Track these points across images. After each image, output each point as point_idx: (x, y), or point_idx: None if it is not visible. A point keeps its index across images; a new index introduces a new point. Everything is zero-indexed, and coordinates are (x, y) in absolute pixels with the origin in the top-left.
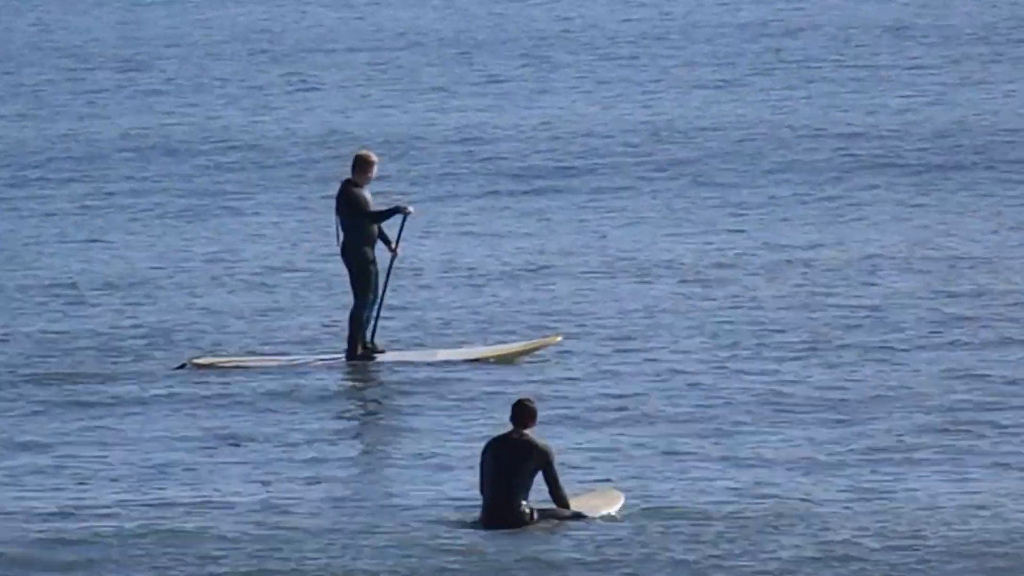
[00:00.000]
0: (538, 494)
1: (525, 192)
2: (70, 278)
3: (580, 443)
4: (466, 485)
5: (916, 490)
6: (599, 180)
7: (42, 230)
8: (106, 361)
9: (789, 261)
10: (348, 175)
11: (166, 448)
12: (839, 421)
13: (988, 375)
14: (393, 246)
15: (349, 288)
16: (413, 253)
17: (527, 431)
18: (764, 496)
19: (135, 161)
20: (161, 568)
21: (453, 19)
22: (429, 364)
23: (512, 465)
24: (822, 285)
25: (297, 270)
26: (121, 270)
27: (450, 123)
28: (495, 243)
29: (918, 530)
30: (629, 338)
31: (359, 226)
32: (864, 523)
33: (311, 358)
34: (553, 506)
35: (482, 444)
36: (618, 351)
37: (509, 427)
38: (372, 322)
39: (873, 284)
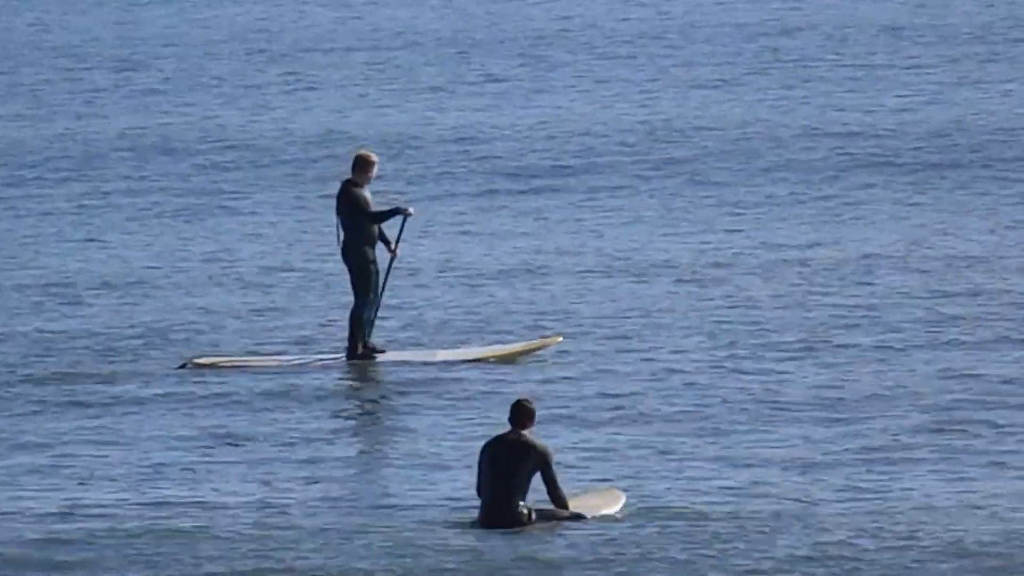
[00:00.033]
0: (537, 495)
1: (522, 191)
2: (67, 277)
3: (576, 442)
4: (464, 485)
5: (912, 489)
6: (596, 179)
7: (39, 229)
8: (104, 361)
9: (786, 260)
10: (347, 175)
11: (164, 448)
12: (835, 420)
13: (984, 374)
14: (392, 247)
15: (348, 288)
16: (410, 252)
17: (525, 431)
18: (760, 495)
19: (132, 161)
20: (158, 567)
21: (451, 18)
22: (429, 364)
23: (510, 465)
24: (819, 284)
25: (294, 270)
26: (118, 269)
27: (447, 122)
28: (492, 242)
29: (913, 530)
30: (626, 337)
31: (359, 226)
32: (859, 522)
33: (311, 358)
34: (551, 507)
35: (480, 444)
36: (615, 350)
37: (507, 427)
38: (372, 322)
39: (869, 283)
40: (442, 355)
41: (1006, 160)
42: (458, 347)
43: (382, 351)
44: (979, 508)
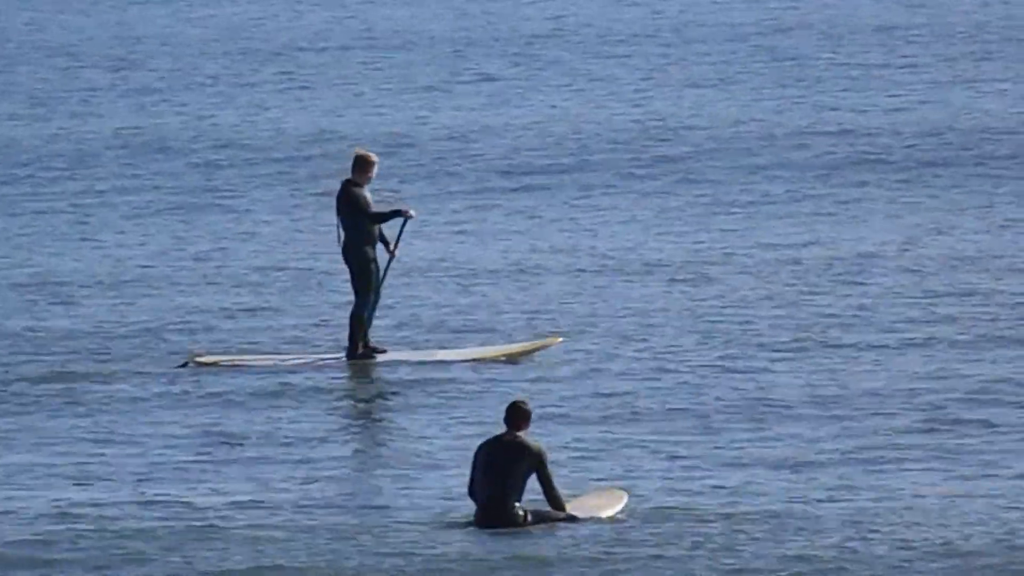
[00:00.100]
0: (535, 496)
1: (515, 190)
2: (62, 276)
3: (570, 441)
4: (460, 484)
5: (903, 489)
6: (590, 178)
7: (34, 228)
8: (98, 360)
9: (779, 259)
10: (346, 175)
11: (161, 447)
12: (828, 420)
13: (977, 374)
14: (392, 248)
15: (343, 287)
16: (404, 251)
17: (521, 433)
18: (753, 495)
19: (127, 159)
20: (155, 566)
21: (445, 18)
22: (429, 364)
23: (505, 466)
24: (812, 283)
25: (289, 269)
26: (113, 268)
27: (441, 121)
28: (486, 241)
29: (906, 530)
30: (620, 336)
31: (360, 226)
32: (852, 522)
33: (312, 357)
34: (547, 508)
35: (475, 444)
36: (609, 349)
37: (503, 428)
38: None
39: (863, 283)
40: (442, 355)
41: (1000, 159)
42: (458, 347)
43: (383, 351)
44: (971, 508)
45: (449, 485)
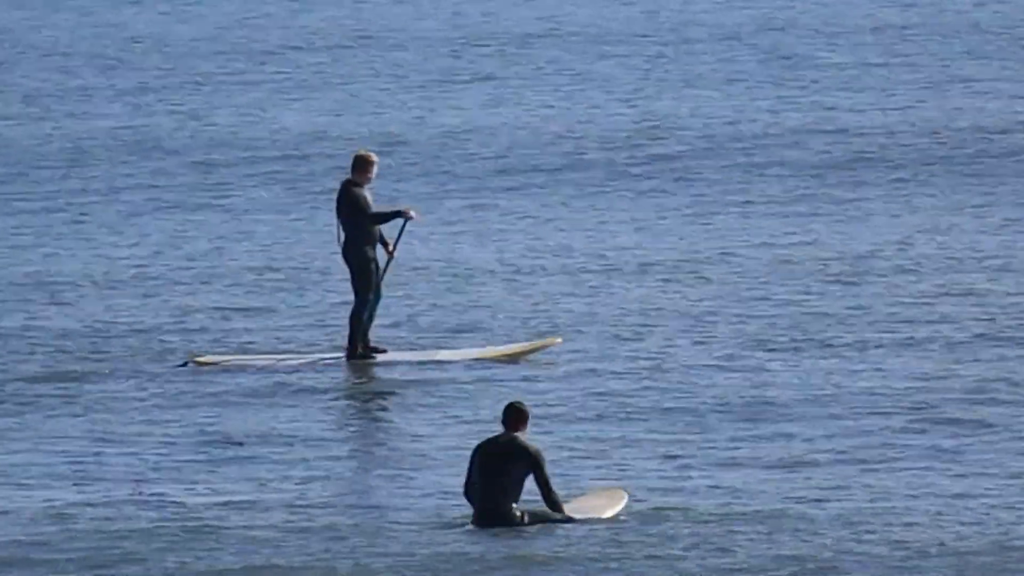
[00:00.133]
0: (532, 497)
1: (511, 189)
2: (57, 276)
3: (565, 441)
4: (457, 484)
5: (898, 489)
6: (586, 178)
7: (30, 227)
8: (95, 359)
9: (776, 259)
10: (344, 175)
11: (159, 447)
12: (825, 419)
13: (974, 374)
14: (391, 248)
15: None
16: (401, 251)
17: (518, 434)
18: (747, 494)
19: (122, 159)
20: (151, 566)
21: (442, 17)
22: (427, 364)
23: (502, 468)
24: (808, 283)
25: (285, 268)
26: (109, 267)
27: (438, 121)
28: (482, 241)
29: (901, 530)
30: (616, 336)
31: (360, 226)
32: (847, 522)
33: (312, 357)
34: (544, 508)
35: (472, 444)
36: (605, 349)
37: (500, 428)
38: (372, 322)
39: (859, 282)
40: (443, 355)
41: (996, 158)
42: (456, 347)
43: (383, 351)
44: (967, 508)
45: (446, 485)
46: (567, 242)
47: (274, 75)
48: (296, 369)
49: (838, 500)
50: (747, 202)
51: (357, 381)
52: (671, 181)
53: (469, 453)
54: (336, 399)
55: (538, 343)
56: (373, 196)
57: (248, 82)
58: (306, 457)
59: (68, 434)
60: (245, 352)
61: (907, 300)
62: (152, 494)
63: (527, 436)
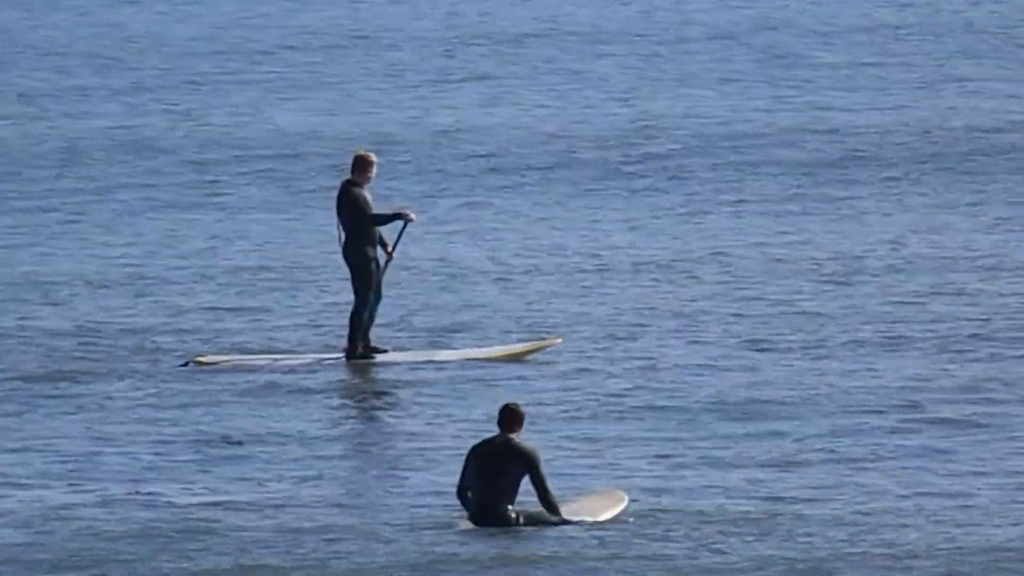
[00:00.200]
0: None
1: (506, 188)
2: (53, 275)
3: (558, 440)
4: (452, 483)
5: (890, 489)
6: (580, 177)
7: (25, 227)
8: (91, 359)
9: (769, 258)
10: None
11: (153, 446)
12: (817, 419)
13: (966, 374)
14: (390, 249)
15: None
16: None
17: (513, 435)
18: (740, 494)
19: (118, 158)
20: (147, 566)
21: (437, 16)
22: (424, 364)
23: (498, 469)
24: (801, 282)
25: (279, 267)
26: (104, 267)
27: (433, 120)
28: (477, 240)
29: (893, 530)
30: (611, 335)
31: (360, 225)
32: (839, 522)
33: (312, 357)
34: (540, 510)
35: (468, 444)
36: (598, 348)
37: (495, 428)
38: (372, 322)
39: (852, 281)
40: (443, 355)
41: (989, 157)
42: (454, 347)
43: (384, 351)
44: (959, 508)
45: (441, 485)
46: (561, 241)
47: (269, 74)
48: (295, 369)
49: (831, 500)
50: (740, 201)
51: (354, 381)
52: (664, 180)
53: (464, 453)
54: (332, 399)
55: (539, 343)
56: (371, 196)
57: (243, 81)
58: (300, 457)
59: (62, 434)
60: (242, 352)
61: (901, 299)
62: (146, 494)
63: (522, 437)
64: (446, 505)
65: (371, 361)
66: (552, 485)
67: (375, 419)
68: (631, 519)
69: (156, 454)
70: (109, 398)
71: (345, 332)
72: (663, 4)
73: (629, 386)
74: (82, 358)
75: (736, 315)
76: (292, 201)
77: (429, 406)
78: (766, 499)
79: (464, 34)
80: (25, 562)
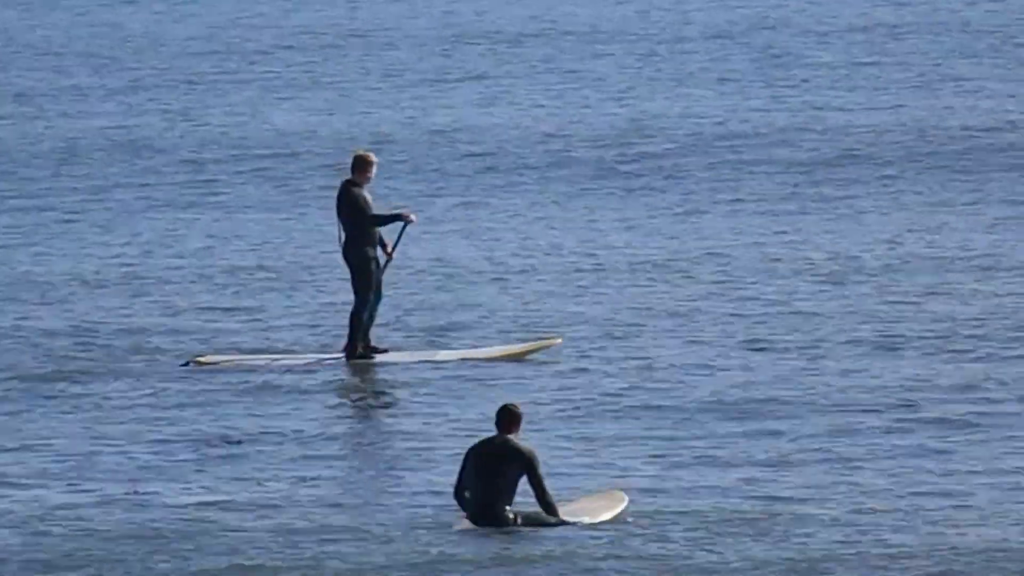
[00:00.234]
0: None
1: (501, 187)
2: (50, 275)
3: (554, 440)
4: (451, 484)
5: (886, 489)
6: (577, 176)
7: (22, 227)
8: (88, 359)
9: (767, 257)
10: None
11: (150, 446)
12: (814, 418)
13: (963, 373)
14: (389, 250)
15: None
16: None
17: (511, 436)
18: (736, 494)
19: (115, 158)
20: (144, 566)
21: (434, 15)
22: (422, 364)
23: (496, 470)
24: (798, 282)
25: (276, 267)
26: (101, 266)
27: (429, 119)
28: (476, 241)
29: (889, 531)
30: (607, 335)
31: (360, 225)
32: (836, 522)
33: (312, 357)
34: (538, 511)
35: (467, 443)
36: (595, 348)
37: (493, 429)
38: (373, 321)
39: (850, 282)
40: (443, 356)
41: (987, 157)
42: (454, 347)
43: (384, 351)
44: (955, 507)
45: (438, 485)
46: (557, 241)
47: (266, 74)
48: (295, 369)
49: (827, 499)
50: (736, 200)
51: (352, 381)
52: (661, 180)
53: (461, 453)
54: (329, 398)
55: (539, 343)
56: (371, 196)
57: (240, 81)
58: (300, 457)
59: (59, 434)
60: (240, 351)
61: (897, 299)
62: (144, 493)
63: (520, 437)
64: (444, 505)
65: (370, 361)
66: (550, 486)
67: (373, 419)
68: (629, 519)
69: (154, 454)
70: (106, 398)
71: (344, 332)
72: (660, 4)
73: (625, 386)
74: (79, 358)
75: (733, 315)
76: (289, 201)
77: (426, 406)
78: (762, 499)
79: (461, 33)
80: (23, 562)
